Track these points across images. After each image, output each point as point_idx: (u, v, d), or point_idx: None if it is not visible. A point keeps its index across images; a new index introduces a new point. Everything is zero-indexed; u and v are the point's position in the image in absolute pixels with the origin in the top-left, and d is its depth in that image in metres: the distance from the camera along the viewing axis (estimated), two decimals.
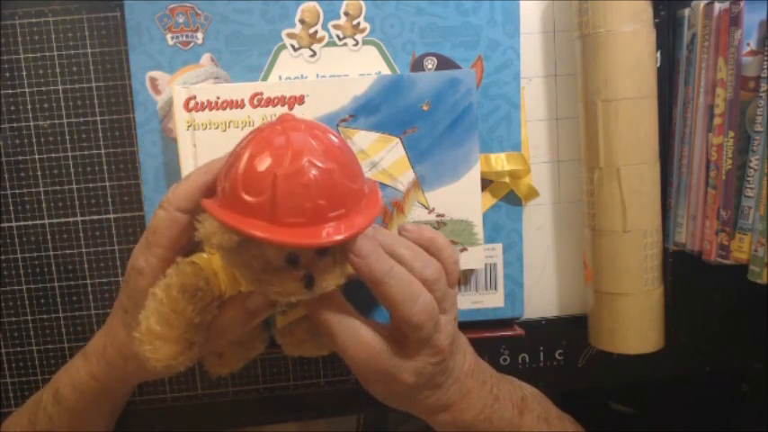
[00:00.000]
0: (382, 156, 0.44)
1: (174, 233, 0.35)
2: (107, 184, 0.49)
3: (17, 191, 0.49)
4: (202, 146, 0.43)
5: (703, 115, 0.47)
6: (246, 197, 0.30)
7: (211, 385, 0.52)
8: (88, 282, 0.50)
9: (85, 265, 0.49)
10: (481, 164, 0.45)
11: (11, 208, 0.49)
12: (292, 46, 0.45)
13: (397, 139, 0.44)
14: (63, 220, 0.49)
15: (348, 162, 0.32)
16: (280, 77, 0.45)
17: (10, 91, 0.48)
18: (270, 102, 0.43)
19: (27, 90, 0.48)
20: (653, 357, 0.48)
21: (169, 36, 0.45)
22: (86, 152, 0.48)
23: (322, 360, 0.52)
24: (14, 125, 0.48)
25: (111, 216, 0.49)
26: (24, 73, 0.48)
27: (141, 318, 0.34)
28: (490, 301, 0.48)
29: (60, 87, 0.48)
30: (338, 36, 0.45)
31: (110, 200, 0.49)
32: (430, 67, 0.46)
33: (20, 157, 0.48)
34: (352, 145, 0.44)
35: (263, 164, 0.30)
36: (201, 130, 0.43)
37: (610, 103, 0.45)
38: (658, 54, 0.48)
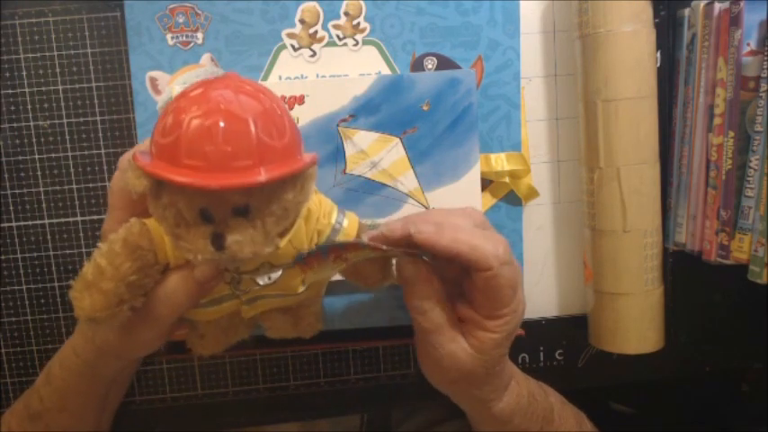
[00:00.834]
0: (382, 156, 0.45)
1: (128, 193, 0.35)
2: (107, 184, 0.49)
3: (17, 191, 0.49)
4: None
5: (703, 115, 0.47)
6: (160, 139, 0.30)
7: (211, 385, 0.52)
8: None
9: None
10: (481, 164, 0.45)
11: (11, 208, 0.49)
12: (292, 46, 0.45)
13: (397, 139, 0.44)
14: (63, 220, 0.49)
15: (272, 119, 0.30)
16: (280, 77, 0.45)
17: (10, 91, 0.48)
18: None
19: (27, 90, 0.48)
20: (653, 357, 0.48)
21: (169, 36, 0.45)
22: (86, 152, 0.48)
23: (322, 360, 0.52)
24: (14, 125, 0.48)
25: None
26: (24, 73, 0.48)
27: (82, 269, 0.33)
28: None
29: (60, 87, 0.48)
30: (338, 36, 0.45)
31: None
32: (430, 67, 0.46)
33: (20, 157, 0.48)
34: (352, 145, 0.44)
35: (180, 108, 0.29)
36: None
37: (610, 103, 0.45)
38: (658, 54, 0.48)
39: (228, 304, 0.39)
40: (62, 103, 0.48)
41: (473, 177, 0.45)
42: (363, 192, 0.45)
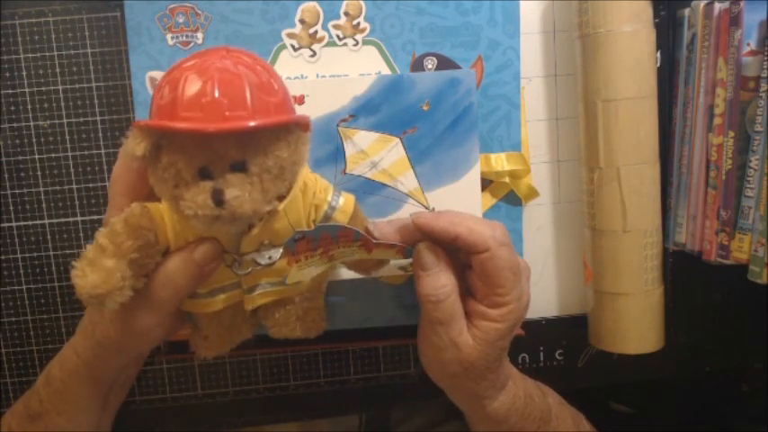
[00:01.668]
0: (382, 156, 0.45)
1: (128, 180, 0.36)
2: (107, 183, 0.49)
3: (17, 191, 0.49)
4: None
5: (703, 115, 0.47)
6: (159, 101, 0.31)
7: (211, 385, 0.52)
8: None
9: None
10: (481, 164, 0.45)
11: (11, 208, 0.49)
12: (292, 46, 0.45)
13: (397, 139, 0.44)
14: (63, 220, 0.49)
15: (266, 77, 0.32)
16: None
17: (10, 91, 0.48)
18: None
19: (27, 90, 0.48)
20: (653, 357, 0.48)
21: (169, 36, 0.45)
22: (86, 152, 0.48)
23: (322, 360, 0.52)
24: (14, 125, 0.48)
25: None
26: (24, 73, 0.48)
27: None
28: None
29: (60, 87, 0.48)
30: (338, 36, 0.45)
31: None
32: (430, 67, 0.46)
33: (20, 157, 0.48)
34: (352, 145, 0.44)
35: (178, 72, 0.31)
36: None
37: (610, 103, 0.45)
38: (658, 54, 0.48)
39: (230, 294, 0.39)
40: (62, 103, 0.48)
41: (473, 177, 0.45)
42: (363, 192, 0.45)
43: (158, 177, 0.32)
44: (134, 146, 0.31)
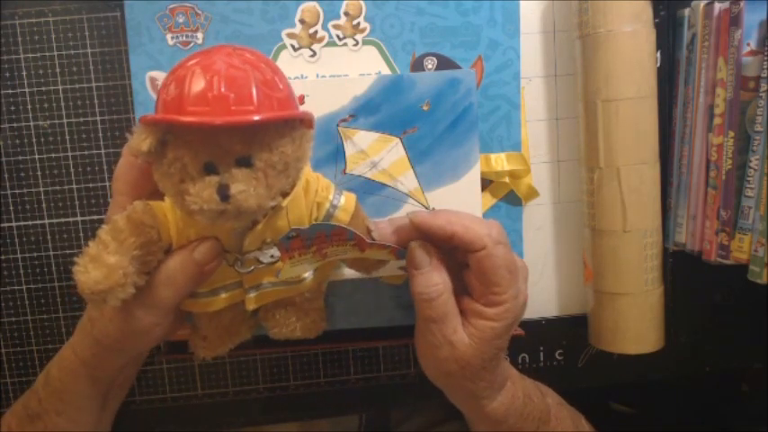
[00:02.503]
0: (382, 156, 0.44)
1: (131, 178, 0.36)
2: (107, 184, 0.49)
3: (17, 191, 0.49)
4: None
5: (703, 115, 0.47)
6: (165, 97, 0.31)
7: (211, 385, 0.52)
8: None
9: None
10: (481, 164, 0.45)
11: (11, 208, 0.49)
12: (292, 46, 0.45)
13: (397, 139, 0.44)
14: (63, 220, 0.49)
15: (270, 74, 0.32)
16: None
17: (10, 91, 0.48)
18: None
19: (27, 90, 0.48)
20: (653, 357, 0.48)
21: (169, 36, 0.45)
22: (86, 152, 0.48)
23: (322, 360, 0.52)
24: (14, 125, 0.48)
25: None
26: (24, 73, 0.48)
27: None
28: None
29: (60, 87, 0.48)
30: (338, 36, 0.45)
31: (109, 199, 0.49)
32: (430, 67, 0.46)
33: (20, 157, 0.48)
34: (352, 145, 0.44)
35: (183, 72, 0.31)
36: None
37: (610, 103, 0.45)
38: (658, 54, 0.48)
39: (231, 294, 0.39)
40: (62, 103, 0.48)
41: (473, 177, 0.45)
42: (363, 192, 0.45)
43: (163, 173, 0.32)
44: (140, 141, 0.31)
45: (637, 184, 0.46)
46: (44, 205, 0.49)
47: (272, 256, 0.37)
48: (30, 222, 0.49)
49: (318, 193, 0.37)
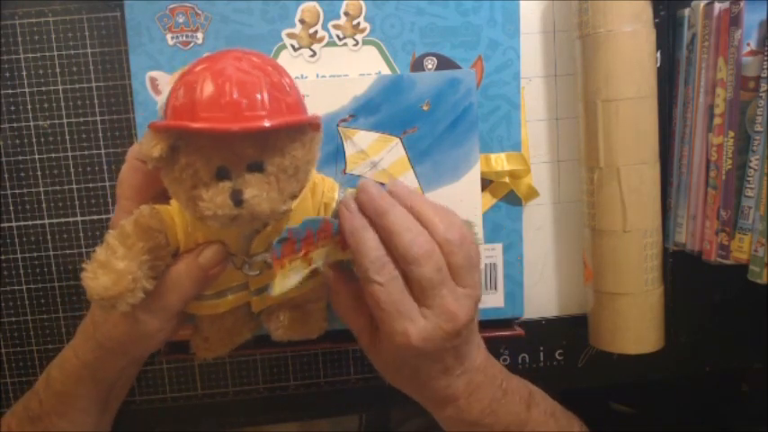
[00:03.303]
0: (382, 156, 0.45)
1: (136, 183, 0.36)
2: (107, 184, 0.49)
3: (17, 191, 0.49)
4: None
5: (703, 115, 0.47)
6: (175, 103, 0.31)
7: (211, 385, 0.52)
8: None
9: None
10: (481, 164, 0.45)
11: (11, 208, 0.49)
12: (292, 46, 0.45)
13: (397, 139, 0.44)
14: (63, 220, 0.49)
15: (280, 79, 0.32)
16: None
17: (10, 91, 0.48)
18: None
19: (27, 90, 0.48)
20: (653, 357, 0.48)
21: (169, 36, 0.45)
22: (86, 152, 0.48)
23: (322, 360, 0.52)
24: (14, 125, 0.48)
25: (111, 216, 0.49)
26: (24, 73, 0.48)
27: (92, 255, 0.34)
28: (490, 301, 0.48)
29: (60, 87, 0.48)
30: (338, 36, 0.45)
31: (110, 200, 0.49)
32: (430, 67, 0.46)
33: (20, 157, 0.48)
34: (352, 145, 0.44)
35: (194, 75, 0.31)
36: None
37: (610, 103, 0.45)
38: (658, 54, 0.48)
39: (236, 297, 0.39)
40: (62, 103, 0.48)
41: (473, 177, 0.45)
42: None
43: (174, 178, 0.32)
44: (150, 147, 0.31)
45: (637, 184, 0.46)
46: (44, 205, 0.49)
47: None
48: (30, 222, 0.49)
49: (325, 194, 0.38)
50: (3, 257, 0.49)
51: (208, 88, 0.30)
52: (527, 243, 0.49)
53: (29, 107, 0.48)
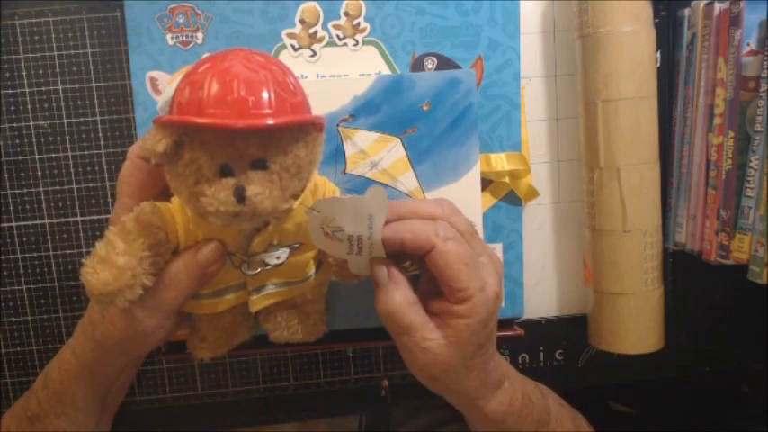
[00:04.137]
0: (382, 156, 0.45)
1: (137, 180, 0.36)
2: (107, 184, 0.49)
3: (17, 191, 0.49)
4: None
5: (703, 115, 0.47)
6: (181, 99, 0.31)
7: (211, 385, 0.52)
8: None
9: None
10: (481, 164, 0.45)
11: (11, 208, 0.49)
12: (292, 46, 0.45)
13: (397, 139, 0.44)
14: (63, 220, 0.49)
15: (285, 78, 0.33)
16: None
17: (10, 91, 0.48)
18: None
19: (27, 90, 0.48)
20: (653, 357, 0.48)
21: (169, 36, 0.45)
22: (86, 152, 0.48)
23: (322, 360, 0.52)
24: (14, 125, 0.48)
25: (111, 216, 0.49)
26: (24, 73, 0.48)
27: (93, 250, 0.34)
28: None
29: (60, 87, 0.48)
30: (338, 36, 0.45)
31: (110, 200, 0.49)
32: (430, 67, 0.46)
33: (20, 157, 0.48)
34: (352, 145, 0.44)
35: (201, 72, 0.31)
36: None
37: (610, 103, 0.45)
38: (658, 54, 0.48)
39: (234, 296, 0.39)
40: (62, 103, 0.48)
41: (473, 177, 0.45)
42: (363, 192, 0.45)
43: (178, 174, 0.32)
44: (155, 142, 0.31)
45: (637, 184, 0.46)
46: (44, 205, 0.49)
47: (278, 258, 0.37)
48: (30, 222, 0.49)
49: (326, 196, 0.38)
50: (3, 257, 0.49)
51: (214, 85, 0.30)
52: (527, 243, 0.49)
53: (29, 107, 0.48)
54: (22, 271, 0.50)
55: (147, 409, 0.51)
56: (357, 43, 0.45)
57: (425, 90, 0.44)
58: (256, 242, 0.36)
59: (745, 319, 0.53)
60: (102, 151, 0.48)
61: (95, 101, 0.48)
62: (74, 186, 0.49)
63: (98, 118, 0.48)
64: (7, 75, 0.48)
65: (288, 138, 0.32)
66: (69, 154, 0.48)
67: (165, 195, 0.36)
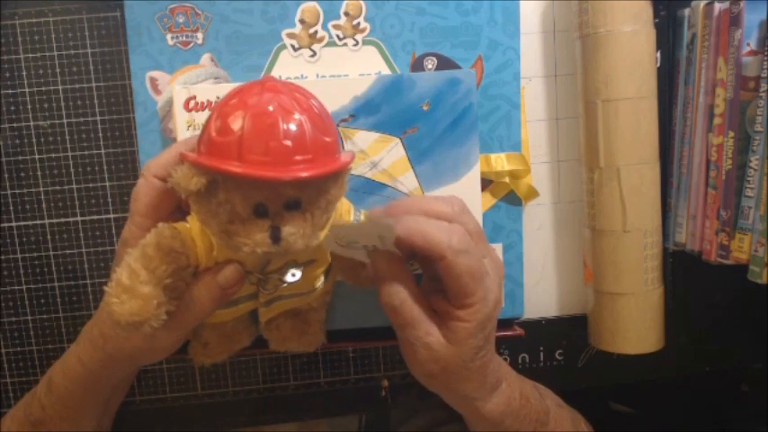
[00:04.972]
0: (382, 156, 0.44)
1: (152, 200, 0.36)
2: (107, 184, 0.49)
3: (17, 191, 0.49)
4: None
5: (703, 115, 0.47)
6: (217, 138, 0.31)
7: (211, 385, 0.52)
8: (88, 282, 0.50)
9: (85, 265, 0.49)
10: (481, 164, 0.45)
11: (11, 208, 0.49)
12: (292, 46, 0.45)
13: (397, 139, 0.44)
14: (63, 220, 0.49)
15: (321, 117, 0.32)
16: (280, 77, 0.45)
17: (10, 91, 0.48)
18: None
19: (27, 90, 0.48)
20: (653, 357, 0.48)
21: (169, 36, 0.45)
22: (86, 152, 0.48)
23: (322, 360, 0.52)
24: (14, 125, 0.48)
25: (111, 216, 0.49)
26: (24, 73, 0.48)
27: (114, 273, 0.34)
28: None
29: (60, 87, 0.48)
30: (338, 36, 0.45)
31: (110, 200, 0.49)
32: (430, 67, 0.46)
33: (20, 157, 0.48)
34: (352, 145, 0.44)
35: (236, 109, 0.31)
36: None
37: (610, 103, 0.45)
38: (658, 54, 0.48)
39: (244, 305, 0.39)
40: (62, 103, 0.48)
41: (473, 177, 0.45)
42: (363, 192, 0.45)
43: (210, 211, 0.32)
44: (188, 180, 0.31)
45: (637, 184, 0.46)
46: (44, 205, 0.49)
47: (293, 275, 0.37)
48: (30, 222, 0.49)
49: (342, 217, 0.38)
50: (3, 257, 0.49)
51: (252, 128, 0.30)
52: (527, 243, 0.49)
53: (29, 107, 0.48)
54: (21, 271, 0.50)
55: (147, 409, 0.51)
56: (357, 43, 0.45)
57: (425, 90, 0.44)
58: (273, 262, 0.36)
59: (745, 319, 0.53)
60: (102, 151, 0.48)
61: (95, 101, 0.48)
62: (74, 186, 0.49)
63: (98, 118, 0.48)
64: (7, 75, 0.48)
65: (324, 179, 0.32)
66: (69, 154, 0.48)
67: (180, 212, 0.36)
